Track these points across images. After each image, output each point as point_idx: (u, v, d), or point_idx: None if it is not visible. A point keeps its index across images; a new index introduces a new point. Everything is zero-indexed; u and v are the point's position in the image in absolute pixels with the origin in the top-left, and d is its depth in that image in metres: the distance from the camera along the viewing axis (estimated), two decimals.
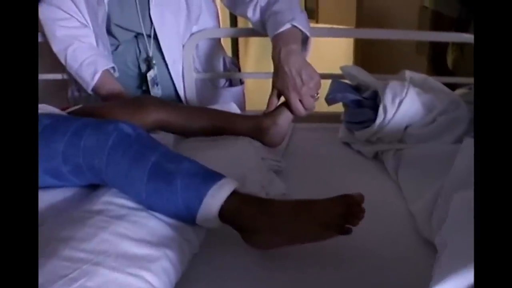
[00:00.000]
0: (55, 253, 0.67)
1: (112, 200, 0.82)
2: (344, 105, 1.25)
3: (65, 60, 1.31)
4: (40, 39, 1.32)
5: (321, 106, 1.18)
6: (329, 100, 1.21)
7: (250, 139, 1.09)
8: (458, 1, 2.11)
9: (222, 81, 1.53)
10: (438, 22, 2.23)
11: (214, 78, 1.49)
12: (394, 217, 0.92)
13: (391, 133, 1.11)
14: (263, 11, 1.21)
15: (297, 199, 0.79)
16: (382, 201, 0.95)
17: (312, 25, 1.19)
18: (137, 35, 1.34)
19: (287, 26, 1.11)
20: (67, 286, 0.63)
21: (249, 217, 0.77)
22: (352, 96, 1.19)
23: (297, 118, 1.12)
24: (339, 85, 1.23)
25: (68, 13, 1.30)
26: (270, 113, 1.11)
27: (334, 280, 0.76)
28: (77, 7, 1.30)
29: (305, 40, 1.17)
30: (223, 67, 1.51)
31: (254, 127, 1.09)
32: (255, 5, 1.23)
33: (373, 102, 1.16)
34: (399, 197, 0.99)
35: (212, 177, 0.80)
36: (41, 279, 0.62)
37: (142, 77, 1.38)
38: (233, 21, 2.80)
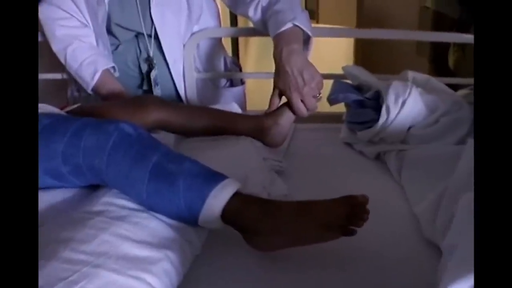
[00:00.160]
0: (55, 255, 0.66)
1: (112, 201, 0.81)
2: (346, 105, 1.24)
3: (65, 60, 1.30)
4: (39, 38, 1.31)
5: (323, 106, 1.18)
6: (331, 100, 1.21)
7: (252, 139, 1.08)
8: (457, 1, 2.11)
9: (223, 81, 1.52)
10: (439, 22, 2.23)
11: (215, 78, 1.49)
12: (397, 218, 0.91)
13: (393, 134, 1.10)
14: (264, 10, 1.21)
15: (300, 200, 0.78)
16: (385, 202, 0.94)
17: (313, 25, 1.19)
18: (138, 35, 1.33)
19: (289, 25, 1.10)
20: None
21: (251, 219, 0.77)
22: (354, 96, 1.18)
23: (298, 119, 1.11)
24: (341, 85, 1.22)
25: (68, 13, 1.30)
26: (272, 113, 1.11)
27: (337, 282, 0.76)
28: (77, 6, 1.30)
29: (306, 40, 1.16)
30: (224, 67, 1.50)
31: (255, 127, 1.09)
32: (257, 5, 1.22)
33: (376, 102, 1.15)
34: (402, 198, 0.98)
35: (215, 177, 0.79)
36: (40, 282, 0.61)
37: (143, 77, 1.38)
38: (233, 21, 2.80)
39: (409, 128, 1.11)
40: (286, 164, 1.10)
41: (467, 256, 0.46)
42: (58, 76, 1.42)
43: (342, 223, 0.74)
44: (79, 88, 1.38)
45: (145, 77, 1.37)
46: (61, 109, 1.02)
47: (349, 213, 0.74)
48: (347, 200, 0.75)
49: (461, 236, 0.59)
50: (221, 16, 1.48)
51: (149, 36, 1.32)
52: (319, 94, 1.10)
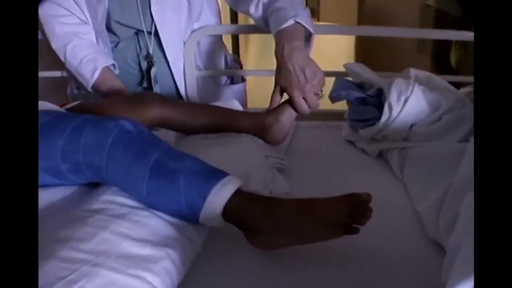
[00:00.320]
0: (54, 254, 0.66)
1: (112, 199, 0.80)
2: (348, 102, 1.23)
3: (65, 57, 1.29)
4: (39, 36, 1.31)
5: (325, 104, 1.17)
6: (333, 98, 1.20)
7: (253, 136, 1.07)
8: (457, 1, 2.10)
9: (224, 79, 1.52)
10: (441, 20, 2.22)
11: (216, 76, 1.48)
12: (400, 217, 0.91)
13: (396, 131, 1.10)
14: (266, 7, 1.20)
15: (302, 198, 0.78)
16: (387, 200, 0.93)
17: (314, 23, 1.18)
18: (138, 32, 1.33)
19: (290, 22, 1.09)
20: None
21: (253, 217, 0.76)
22: (357, 94, 1.18)
23: (300, 116, 1.11)
24: (343, 82, 1.21)
25: (69, 10, 1.30)
26: (273, 111, 1.10)
27: (339, 281, 0.75)
28: (77, 4, 1.29)
29: (308, 37, 1.16)
30: (224, 65, 1.49)
31: (256, 125, 1.08)
32: (258, 2, 1.21)
33: (378, 100, 1.14)
34: (405, 196, 0.97)
35: (216, 175, 0.78)
36: (39, 281, 0.60)
37: (143, 75, 1.37)
38: (234, 18, 2.79)
39: (412, 126, 1.10)
40: (287, 162, 1.09)
41: (472, 256, 0.46)
42: (57, 74, 1.42)
43: (344, 222, 0.73)
44: (79, 85, 1.37)
45: (145, 75, 1.37)
46: (61, 106, 1.02)
47: (351, 211, 0.73)
48: (350, 198, 0.74)
49: (465, 236, 0.58)
50: (221, 14, 1.47)
51: (149, 33, 1.31)
52: (321, 91, 1.09)
